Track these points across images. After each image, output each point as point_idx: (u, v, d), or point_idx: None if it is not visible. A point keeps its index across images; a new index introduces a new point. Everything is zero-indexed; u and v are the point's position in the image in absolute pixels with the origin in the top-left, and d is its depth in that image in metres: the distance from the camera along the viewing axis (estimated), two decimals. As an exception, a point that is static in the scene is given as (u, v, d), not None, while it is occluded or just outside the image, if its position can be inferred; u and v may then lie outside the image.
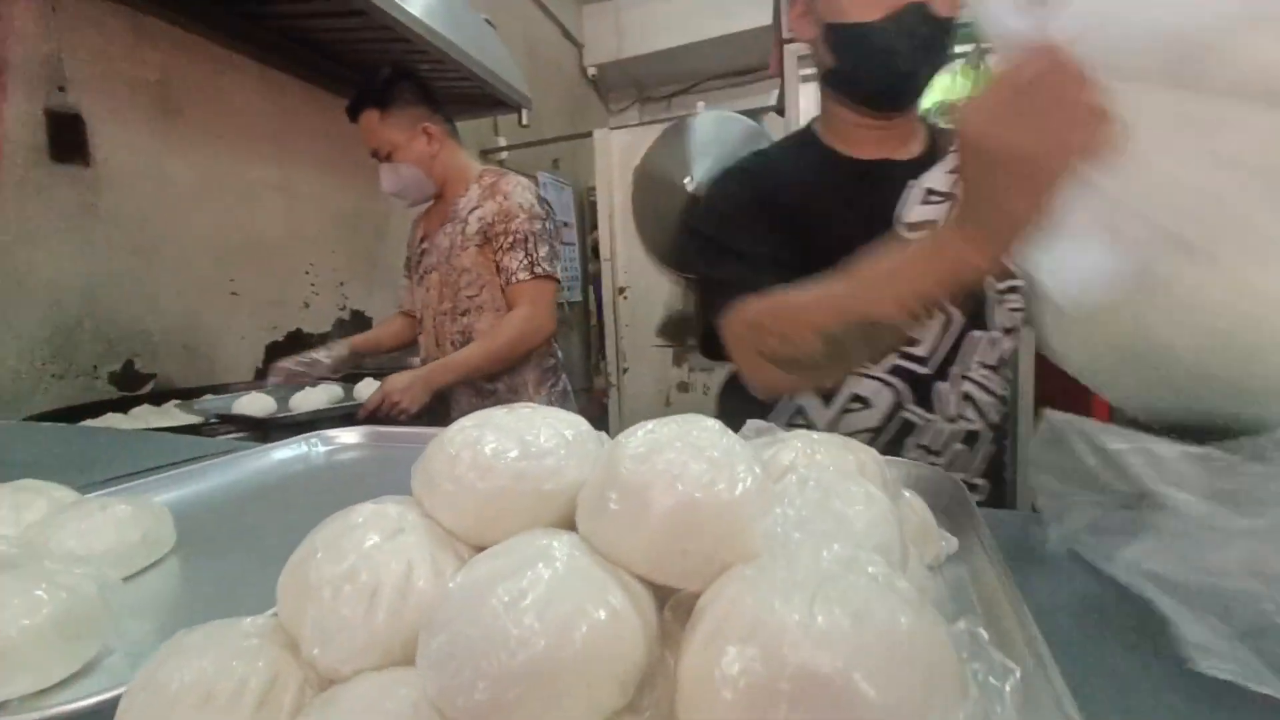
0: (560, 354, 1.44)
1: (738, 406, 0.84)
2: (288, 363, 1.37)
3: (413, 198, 1.34)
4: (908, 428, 0.73)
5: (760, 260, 0.70)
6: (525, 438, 0.28)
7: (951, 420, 0.73)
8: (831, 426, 0.74)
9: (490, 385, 1.29)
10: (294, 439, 0.75)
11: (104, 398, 1.34)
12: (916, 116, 0.78)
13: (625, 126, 2.83)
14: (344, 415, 1.18)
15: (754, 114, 2.68)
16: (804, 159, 0.79)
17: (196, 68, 1.58)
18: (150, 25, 1.47)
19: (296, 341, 1.87)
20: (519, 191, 1.27)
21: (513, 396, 1.31)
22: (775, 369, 0.62)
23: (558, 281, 1.31)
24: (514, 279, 1.23)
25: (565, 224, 3.30)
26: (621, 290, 2.90)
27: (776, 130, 2.54)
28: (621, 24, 3.84)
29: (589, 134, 2.84)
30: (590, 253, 3.42)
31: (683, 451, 0.24)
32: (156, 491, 0.58)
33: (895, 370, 0.72)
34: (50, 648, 0.31)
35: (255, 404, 1.20)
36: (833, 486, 0.28)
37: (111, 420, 1.20)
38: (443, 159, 1.30)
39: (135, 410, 1.28)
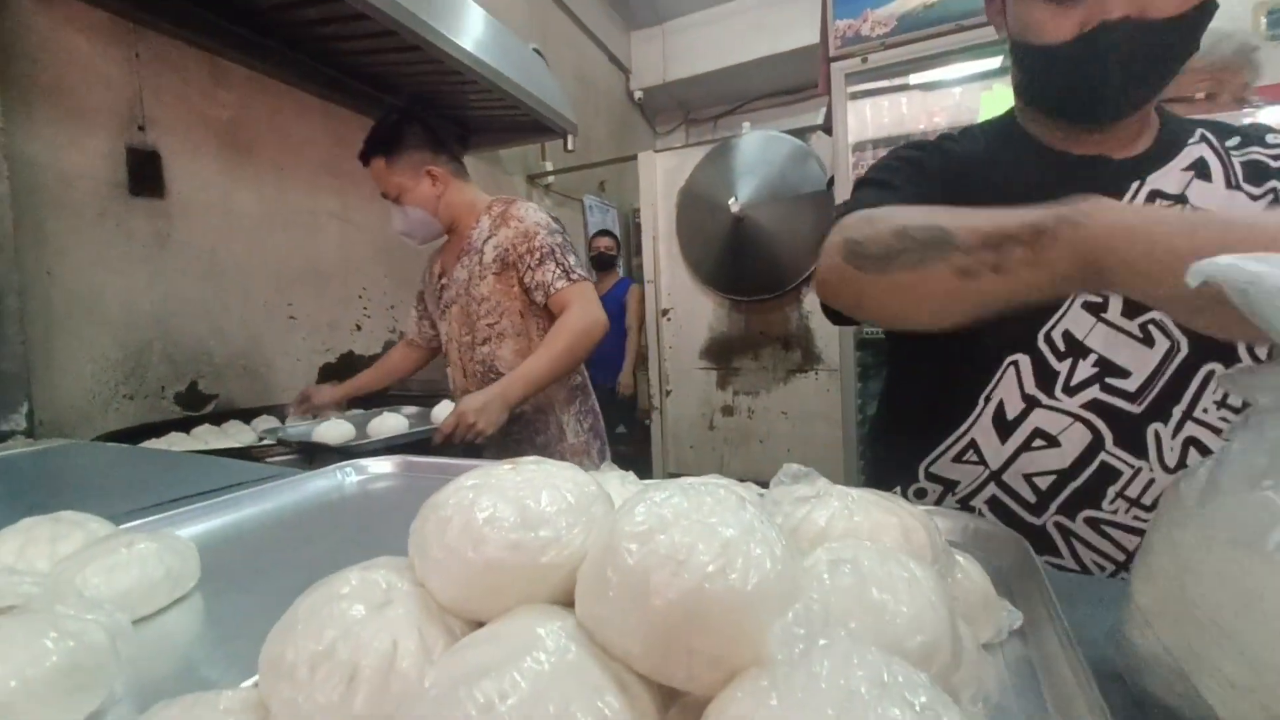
0: (586, 374, 1.43)
1: (884, 454, 0.78)
2: (292, 422, 1.39)
3: (421, 237, 1.37)
4: (1109, 474, 0.61)
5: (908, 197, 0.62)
6: (525, 502, 0.26)
7: (1170, 470, 0.60)
8: (1006, 466, 0.65)
9: (518, 406, 1.29)
10: (329, 468, 0.75)
11: (169, 417, 1.41)
12: (1150, 110, 0.66)
13: (670, 149, 2.83)
14: (421, 441, 1.17)
15: (801, 133, 2.63)
16: (1005, 147, 0.69)
17: (264, 105, 1.68)
18: (225, 67, 1.57)
19: (348, 363, 1.93)
20: (532, 213, 1.29)
21: (540, 416, 1.31)
22: (841, 259, 0.56)
23: (593, 284, 1.32)
24: (553, 289, 1.23)
25: (614, 237, 3.31)
26: (665, 312, 2.88)
27: (824, 149, 2.49)
28: (668, 48, 3.88)
29: (634, 157, 2.86)
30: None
31: (689, 531, 0.22)
32: (190, 521, 0.59)
33: (1093, 405, 0.61)
34: (53, 700, 0.31)
35: (335, 430, 1.22)
36: (871, 571, 0.24)
37: (174, 439, 1.26)
38: (448, 199, 1.33)
39: (196, 430, 1.34)
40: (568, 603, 0.25)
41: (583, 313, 1.23)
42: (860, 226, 0.55)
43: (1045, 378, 0.63)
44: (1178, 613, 0.28)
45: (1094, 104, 0.61)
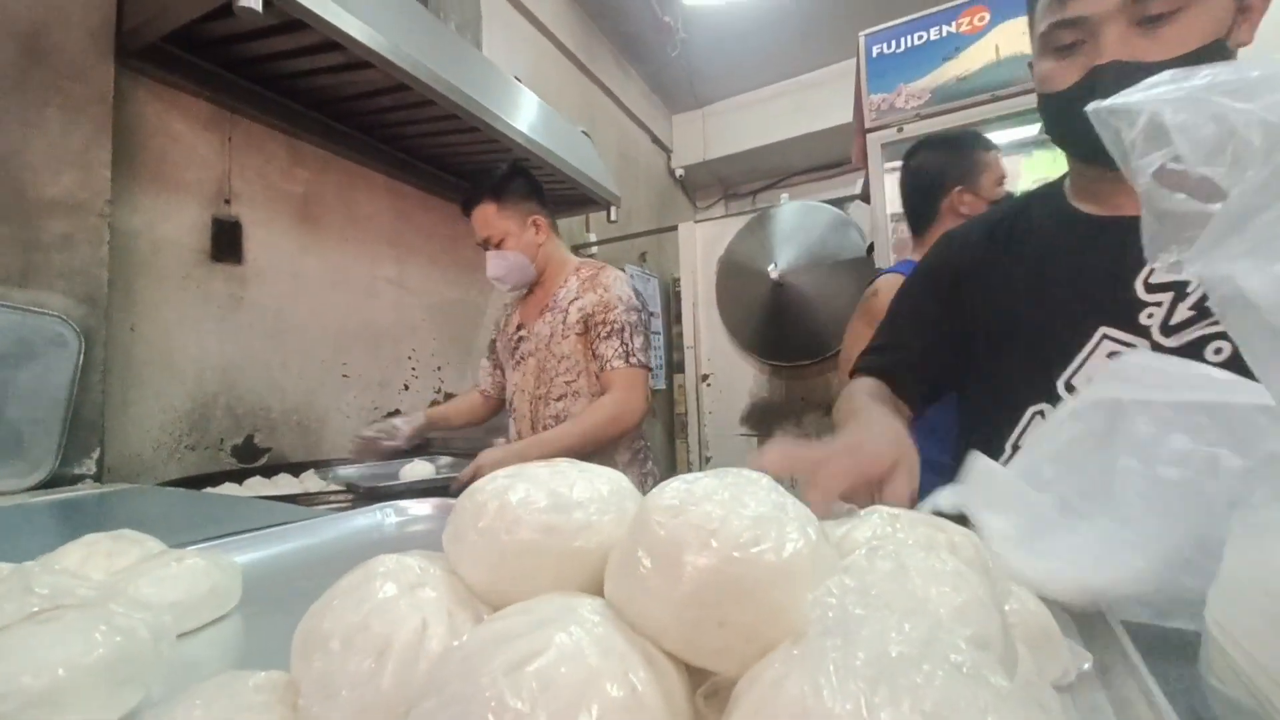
0: (648, 440, 1.46)
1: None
2: (369, 431, 1.46)
3: (514, 283, 1.43)
4: None
5: (911, 336, 0.78)
6: (558, 490, 0.26)
7: None
8: None
9: None
10: (370, 508, 0.76)
11: (224, 468, 1.47)
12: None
13: (709, 219, 2.93)
14: (440, 487, 1.20)
15: (839, 203, 2.69)
16: (1043, 212, 0.76)
17: (335, 182, 1.84)
18: (303, 148, 1.74)
19: (395, 421, 1.98)
20: (618, 284, 1.36)
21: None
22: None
23: (650, 370, 1.35)
24: (609, 365, 1.28)
25: (652, 314, 3.39)
26: (705, 378, 2.88)
27: (862, 218, 2.53)
28: (707, 130, 4.09)
29: (674, 227, 2.96)
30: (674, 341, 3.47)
31: (723, 505, 0.21)
32: (236, 550, 0.60)
33: None
34: (98, 690, 0.31)
35: (419, 470, 1.29)
36: (911, 561, 0.23)
37: (227, 489, 1.30)
38: (546, 249, 1.42)
39: (249, 481, 1.39)
40: (598, 592, 0.25)
41: (619, 399, 1.27)
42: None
43: None
44: (1262, 631, 0.25)
45: (1096, 146, 0.64)
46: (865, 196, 2.17)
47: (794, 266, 2.64)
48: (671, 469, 3.51)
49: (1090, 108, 0.36)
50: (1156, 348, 0.61)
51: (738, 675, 0.19)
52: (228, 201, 1.55)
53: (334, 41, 1.25)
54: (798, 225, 2.69)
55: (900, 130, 1.95)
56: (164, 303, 1.41)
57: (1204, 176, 0.30)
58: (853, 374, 0.82)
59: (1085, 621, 0.40)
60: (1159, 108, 0.31)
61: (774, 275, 2.64)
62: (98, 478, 1.20)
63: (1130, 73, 0.57)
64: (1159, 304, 0.63)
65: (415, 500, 0.80)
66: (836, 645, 0.17)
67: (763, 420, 2.76)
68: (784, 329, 2.67)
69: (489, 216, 1.37)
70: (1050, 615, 0.35)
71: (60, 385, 1.12)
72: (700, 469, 2.45)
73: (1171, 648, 0.39)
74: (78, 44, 1.16)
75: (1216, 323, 0.59)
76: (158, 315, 1.40)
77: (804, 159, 3.99)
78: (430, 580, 0.25)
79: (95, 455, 1.20)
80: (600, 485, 0.27)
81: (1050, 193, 0.78)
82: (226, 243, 1.54)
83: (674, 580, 0.20)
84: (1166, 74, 0.33)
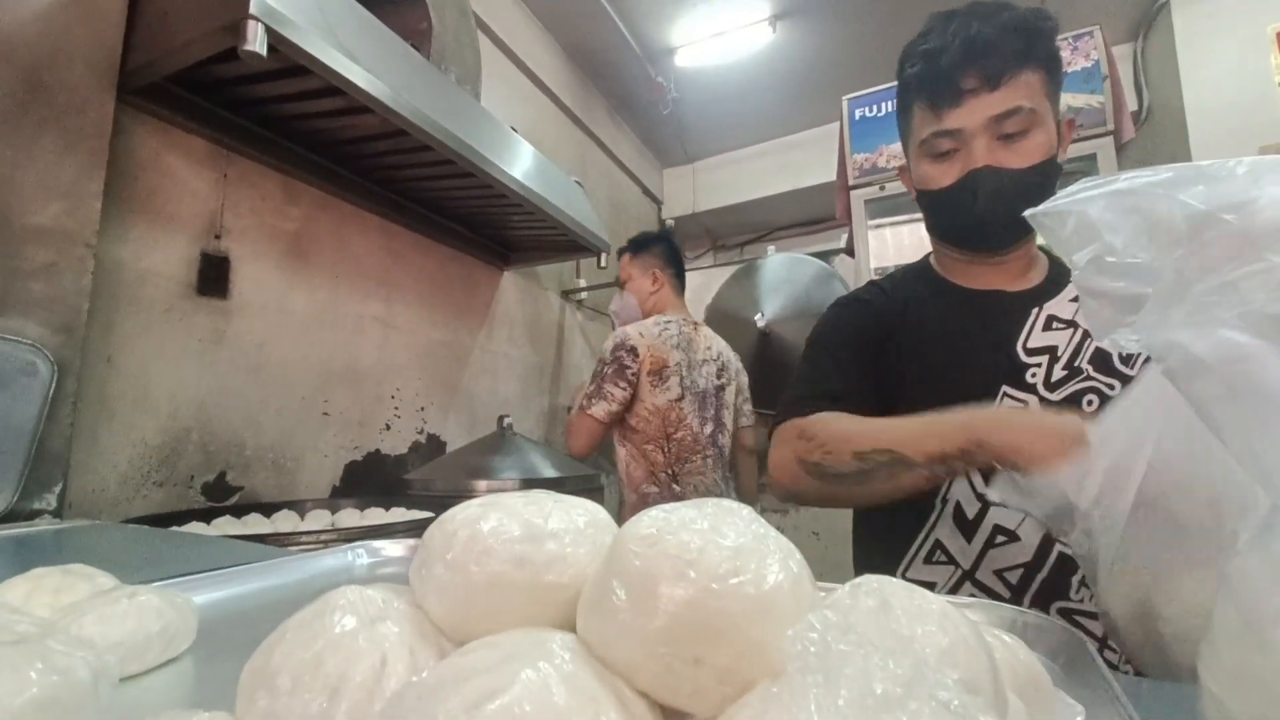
0: (662, 488, 1.66)
1: (864, 563, 0.87)
2: None
3: (624, 318, 1.78)
4: (1068, 564, 0.66)
5: (841, 384, 0.79)
6: (532, 520, 0.25)
7: None
8: (977, 564, 0.71)
9: None
10: (341, 548, 0.73)
11: (193, 507, 1.41)
12: (1035, 250, 0.83)
13: (698, 268, 2.98)
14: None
15: (824, 256, 2.76)
16: (919, 288, 0.86)
17: (328, 221, 1.85)
18: (298, 187, 1.76)
19: (375, 461, 1.94)
20: (616, 334, 1.65)
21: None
22: (806, 474, 0.70)
23: (591, 417, 1.64)
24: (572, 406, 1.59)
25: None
26: (692, 424, 2.86)
27: (847, 271, 2.59)
28: (697, 183, 4.22)
29: (664, 276, 3.00)
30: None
31: (701, 534, 0.21)
32: (197, 589, 0.57)
33: None
34: (24, 736, 0.29)
35: None
36: (894, 599, 0.22)
37: (195, 528, 1.25)
38: (656, 299, 1.76)
39: (217, 520, 1.33)
40: (571, 629, 0.23)
41: (567, 442, 1.62)
42: (810, 449, 0.71)
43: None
44: (1254, 683, 0.24)
45: (979, 233, 0.77)
46: (850, 250, 2.23)
47: (780, 316, 2.68)
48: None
49: (1028, 213, 0.42)
50: (1043, 401, 0.70)
51: (714, 717, 0.18)
52: (218, 236, 1.55)
53: (336, 87, 1.29)
54: (784, 277, 2.74)
55: (883, 188, 2.03)
56: (144, 334, 1.39)
57: (1133, 262, 0.34)
58: (790, 414, 0.79)
59: (1076, 672, 0.38)
60: (1085, 208, 0.37)
61: (761, 324, 2.67)
62: (57, 513, 1.15)
63: (999, 175, 0.71)
64: (1039, 364, 0.73)
65: (388, 540, 0.77)
66: (818, 683, 0.16)
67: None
68: (771, 377, 2.68)
69: (624, 262, 1.83)
70: (1040, 666, 0.34)
71: (28, 416, 1.08)
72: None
73: (1167, 701, 0.38)
74: (80, 79, 1.18)
75: (1086, 379, 0.71)
76: (136, 347, 1.37)
77: (790, 214, 4.10)
78: (393, 614, 0.24)
79: (57, 490, 1.16)
80: (577, 516, 0.26)
81: (921, 270, 0.89)
82: (213, 277, 1.54)
83: (648, 613, 0.19)
84: (1087, 181, 0.38)
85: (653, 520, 0.22)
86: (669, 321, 1.58)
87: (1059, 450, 0.49)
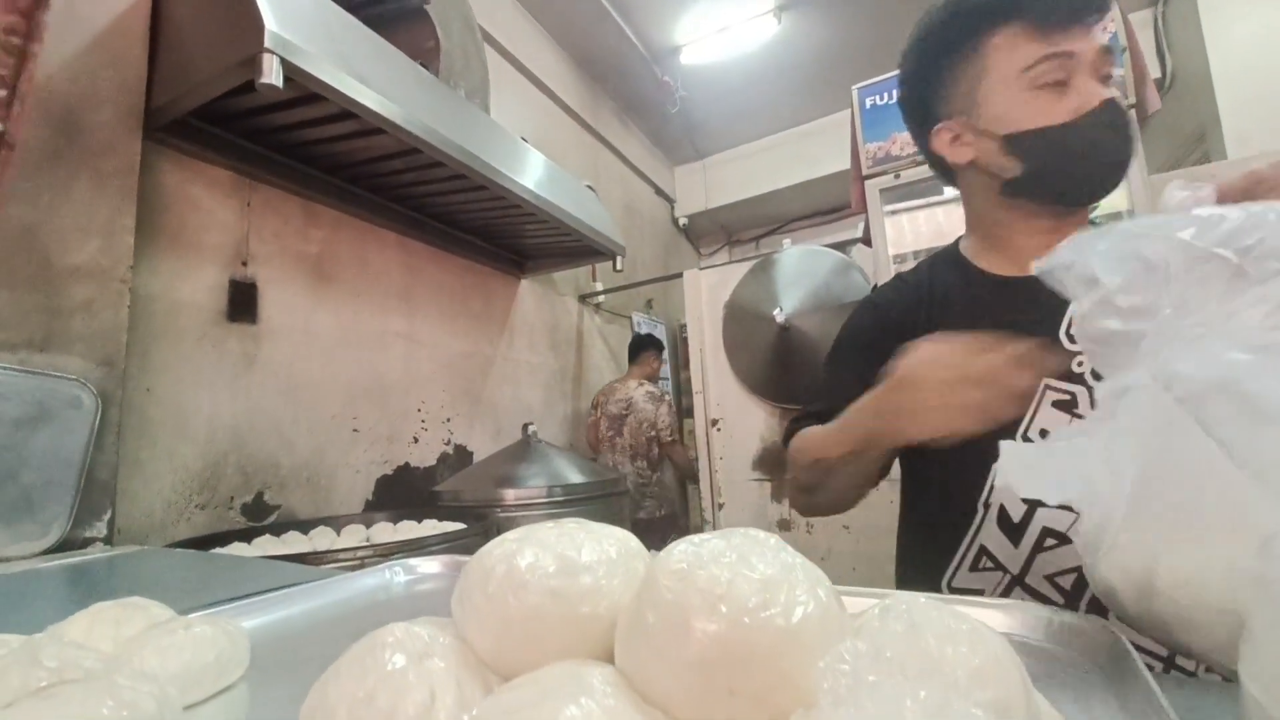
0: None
1: (910, 574, 0.84)
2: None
3: None
4: None
5: (844, 399, 0.73)
6: (566, 553, 0.26)
7: None
8: (1026, 569, 0.65)
9: None
10: (378, 567, 0.75)
11: (233, 527, 1.46)
12: (1087, 221, 0.76)
13: (714, 266, 2.97)
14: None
15: (841, 246, 2.73)
16: (950, 276, 0.80)
17: (348, 240, 1.89)
18: (317, 209, 1.80)
19: (404, 474, 1.98)
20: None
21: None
22: (794, 492, 0.75)
23: None
24: None
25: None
26: (714, 422, 2.86)
27: (865, 260, 2.56)
28: (708, 180, 4.20)
29: (679, 275, 3.00)
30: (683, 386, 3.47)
31: (730, 567, 0.21)
32: (246, 615, 0.59)
33: None
34: (100, 770, 0.31)
35: None
36: (925, 619, 0.23)
37: (236, 548, 1.29)
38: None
39: (257, 540, 1.38)
40: (608, 657, 0.24)
41: None
42: (791, 471, 0.76)
43: None
44: None
45: (1092, 180, 0.69)
46: (867, 240, 2.21)
47: (800, 310, 2.66)
48: (685, 520, 3.45)
49: (1034, 268, 0.43)
50: (1092, 392, 0.66)
51: (751, 747, 0.19)
52: (245, 263, 1.59)
53: (349, 111, 1.32)
54: (802, 270, 2.72)
55: (897, 176, 2.00)
56: (180, 363, 1.43)
57: (1132, 305, 0.37)
58: (787, 437, 0.80)
59: (1116, 674, 0.38)
60: (1087, 258, 0.39)
61: (780, 319, 2.66)
62: (108, 540, 1.20)
63: (1124, 112, 0.64)
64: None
65: (423, 558, 0.79)
66: (850, 716, 0.17)
67: (776, 465, 2.72)
68: (792, 371, 2.67)
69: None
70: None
71: (75, 448, 1.13)
72: (713, 517, 2.41)
73: (1210, 704, 0.37)
74: (108, 120, 1.22)
75: None
76: (173, 376, 1.42)
77: (803, 205, 4.07)
78: (438, 650, 0.25)
79: (107, 517, 1.20)
80: (608, 547, 0.27)
81: (949, 258, 0.82)
82: (242, 303, 1.58)
83: (681, 646, 0.20)
84: (1086, 232, 0.40)
85: (683, 554, 0.23)
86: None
87: (962, 418, 0.51)
